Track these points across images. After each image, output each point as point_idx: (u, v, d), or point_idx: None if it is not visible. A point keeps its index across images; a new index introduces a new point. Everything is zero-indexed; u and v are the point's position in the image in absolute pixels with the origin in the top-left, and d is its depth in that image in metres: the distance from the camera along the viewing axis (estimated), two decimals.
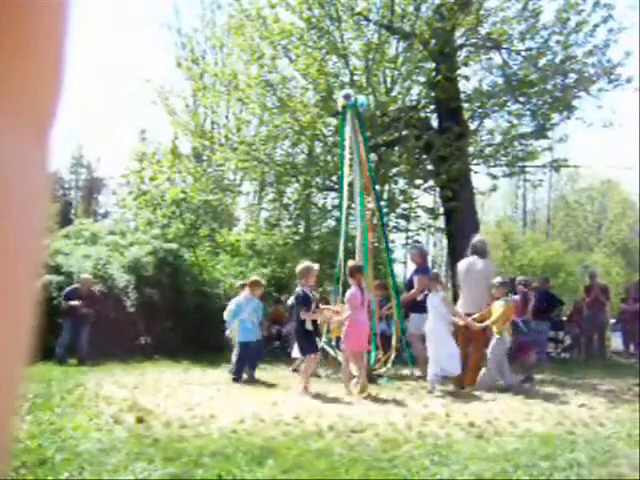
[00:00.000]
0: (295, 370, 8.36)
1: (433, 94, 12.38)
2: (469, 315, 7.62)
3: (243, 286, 9.08)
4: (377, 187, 10.30)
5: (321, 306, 7.75)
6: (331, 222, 13.91)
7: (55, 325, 9.60)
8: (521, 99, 12.40)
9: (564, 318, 14.08)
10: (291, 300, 8.65)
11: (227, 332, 8.89)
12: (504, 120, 12.97)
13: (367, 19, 12.06)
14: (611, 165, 40.76)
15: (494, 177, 13.41)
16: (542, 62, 11.91)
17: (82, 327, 9.89)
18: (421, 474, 3.74)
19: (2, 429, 0.43)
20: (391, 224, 13.09)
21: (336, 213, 12.46)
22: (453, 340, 7.28)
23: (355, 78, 12.09)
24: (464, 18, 11.56)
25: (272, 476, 3.64)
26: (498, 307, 7.44)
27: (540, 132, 12.44)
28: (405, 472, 3.76)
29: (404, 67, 11.98)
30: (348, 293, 7.15)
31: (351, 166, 8.49)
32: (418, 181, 13.33)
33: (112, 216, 30.78)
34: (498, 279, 7.74)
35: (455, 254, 11.26)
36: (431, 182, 13.47)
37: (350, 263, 7.48)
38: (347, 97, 8.36)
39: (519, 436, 4.78)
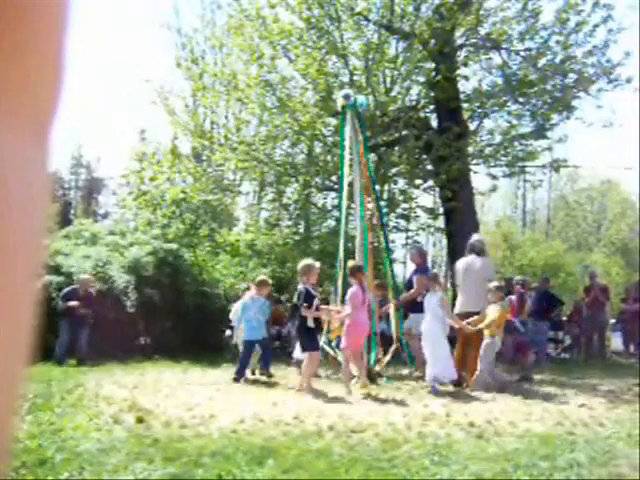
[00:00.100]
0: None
1: (433, 94, 12.38)
2: (468, 314, 7.62)
3: (248, 289, 9.09)
4: (377, 187, 10.30)
5: (321, 307, 7.75)
6: (331, 222, 13.93)
7: (55, 325, 9.60)
8: (521, 99, 12.41)
9: (564, 318, 14.09)
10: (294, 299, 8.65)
11: (227, 332, 8.90)
12: (504, 120, 13.00)
13: (367, 19, 12.06)
14: (611, 165, 40.75)
15: (494, 177, 13.42)
16: (542, 62, 11.91)
17: (81, 328, 9.88)
18: (421, 474, 3.74)
19: (2, 429, 0.43)
20: (391, 224, 13.09)
21: (336, 213, 12.46)
22: (447, 343, 7.25)
23: (355, 78, 12.10)
24: (464, 18, 11.57)
25: (272, 476, 3.64)
26: (493, 311, 7.43)
27: (540, 132, 12.44)
28: (405, 472, 3.76)
29: (404, 67, 11.99)
30: (349, 292, 7.16)
31: (351, 166, 8.50)
32: (418, 181, 13.34)
33: (112, 216, 30.80)
34: (494, 283, 7.72)
35: (455, 254, 11.25)
36: (431, 182, 13.48)
37: (351, 263, 7.49)
38: (347, 97, 8.36)
39: (519, 436, 4.78)
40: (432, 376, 7.07)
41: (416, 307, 8.30)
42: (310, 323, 7.12)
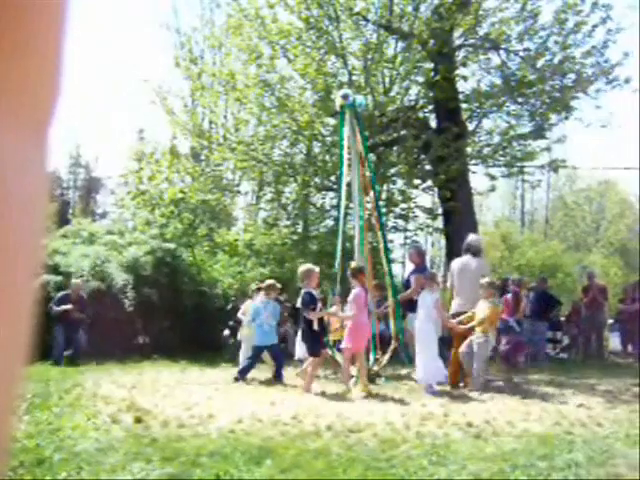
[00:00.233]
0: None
1: (431, 94, 12.38)
2: (462, 315, 7.61)
3: (258, 290, 9.04)
4: (376, 187, 10.30)
5: (329, 312, 7.78)
6: (329, 222, 13.91)
7: (54, 325, 9.60)
8: (519, 99, 12.41)
9: (562, 318, 14.10)
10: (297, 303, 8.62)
11: (225, 332, 8.89)
12: (502, 120, 13.00)
13: (366, 19, 12.06)
14: (609, 165, 40.81)
15: (492, 177, 13.42)
16: (540, 63, 11.92)
17: (76, 332, 9.85)
18: (419, 474, 3.74)
19: (0, 429, 0.43)
20: (390, 224, 13.09)
21: (334, 213, 12.46)
22: (437, 345, 7.20)
23: (354, 78, 12.09)
24: (462, 18, 11.57)
25: (270, 476, 3.64)
26: (483, 308, 7.38)
27: (538, 132, 12.44)
28: (403, 472, 3.76)
29: (402, 67, 11.98)
30: (352, 294, 7.13)
31: (349, 166, 8.49)
32: (416, 181, 13.33)
33: (110, 216, 30.81)
34: (486, 279, 7.65)
35: (453, 254, 11.24)
36: (429, 182, 13.47)
37: (352, 264, 7.48)
38: (345, 97, 8.35)
39: (517, 436, 4.78)
40: (421, 378, 7.07)
41: (414, 307, 8.30)
42: (316, 326, 7.12)
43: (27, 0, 0.43)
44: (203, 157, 15.56)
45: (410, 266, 10.35)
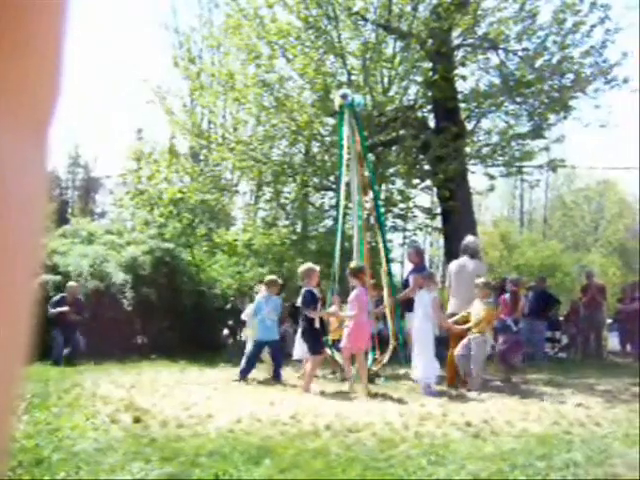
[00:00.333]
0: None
1: (430, 94, 12.38)
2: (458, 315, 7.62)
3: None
4: (376, 187, 10.30)
5: (328, 312, 7.78)
6: (328, 222, 13.92)
7: (53, 325, 9.59)
8: (518, 99, 12.41)
9: (561, 318, 14.11)
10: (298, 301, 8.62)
11: (224, 332, 8.88)
12: (501, 120, 13.01)
13: (364, 19, 12.06)
14: (608, 165, 40.84)
15: (491, 177, 13.42)
16: (539, 62, 11.92)
17: (74, 333, 9.84)
18: (418, 474, 3.74)
19: (0, 429, 0.43)
20: (388, 224, 13.09)
21: (333, 213, 12.46)
22: (433, 346, 7.19)
23: (352, 78, 12.09)
24: (461, 18, 11.57)
25: (269, 476, 3.64)
26: (478, 308, 7.37)
27: (537, 132, 12.45)
28: (402, 472, 3.76)
29: (401, 67, 11.98)
30: (353, 294, 7.12)
31: (348, 166, 8.50)
32: (415, 181, 13.33)
33: (109, 215, 30.76)
34: (482, 279, 7.65)
35: (452, 254, 11.26)
36: (428, 182, 13.48)
37: (352, 264, 7.47)
38: (344, 97, 8.35)
39: (516, 436, 4.78)
40: (420, 378, 7.07)
41: (412, 306, 8.30)
42: (317, 325, 7.12)
43: (27, 0, 0.43)
44: (202, 157, 15.55)
45: (409, 266, 10.35)
